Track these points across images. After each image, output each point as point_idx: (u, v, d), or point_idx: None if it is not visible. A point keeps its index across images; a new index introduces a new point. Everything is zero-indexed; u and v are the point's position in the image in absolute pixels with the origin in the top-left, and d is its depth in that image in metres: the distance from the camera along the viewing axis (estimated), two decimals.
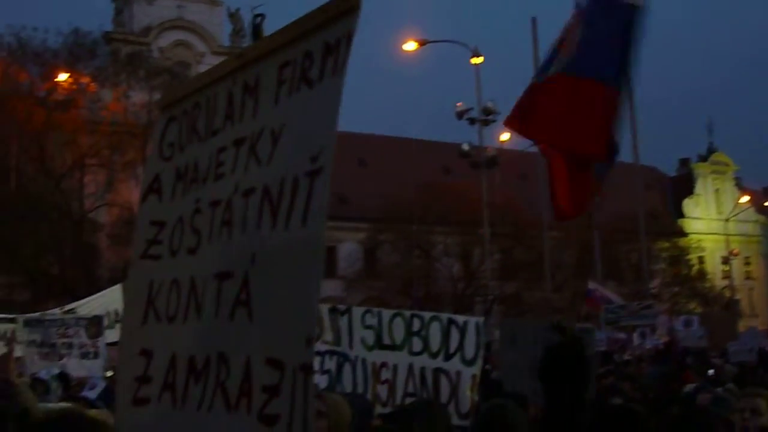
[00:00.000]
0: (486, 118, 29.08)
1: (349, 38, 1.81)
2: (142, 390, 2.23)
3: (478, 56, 28.68)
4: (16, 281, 30.43)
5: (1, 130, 30.64)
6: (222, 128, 2.21)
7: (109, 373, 13.77)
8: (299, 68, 1.95)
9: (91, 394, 10.45)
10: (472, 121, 29.27)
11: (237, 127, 2.15)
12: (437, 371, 6.37)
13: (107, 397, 9.85)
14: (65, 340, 11.72)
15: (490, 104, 29.08)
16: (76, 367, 11.50)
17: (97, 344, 11.85)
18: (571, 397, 3.59)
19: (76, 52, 33.46)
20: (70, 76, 33.02)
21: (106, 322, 12.56)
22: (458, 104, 29.65)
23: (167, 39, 41.75)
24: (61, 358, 11.52)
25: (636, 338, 18.11)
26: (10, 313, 14.33)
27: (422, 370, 6.39)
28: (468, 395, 6.30)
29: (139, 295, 2.34)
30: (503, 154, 31.12)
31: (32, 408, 5.75)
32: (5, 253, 29.71)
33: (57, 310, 12.52)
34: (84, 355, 11.73)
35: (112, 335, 13.35)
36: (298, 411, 1.67)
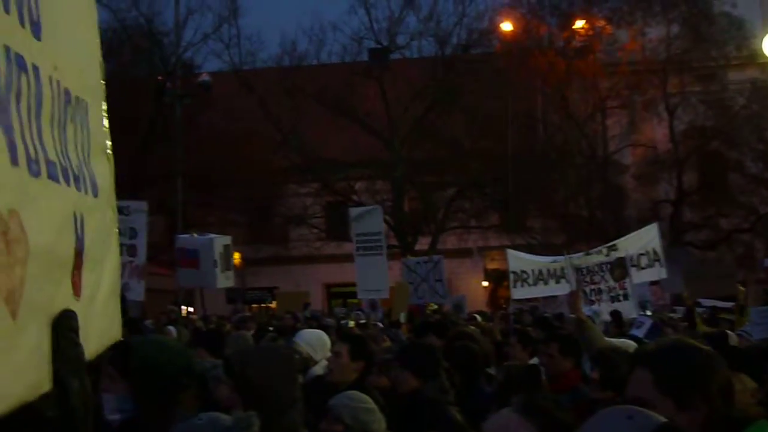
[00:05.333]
0: None
1: None
2: None
3: None
4: (550, 225, 32.20)
5: (527, 84, 32.42)
6: None
7: (649, 312, 13.72)
8: None
9: (638, 333, 10.47)
10: None
11: None
12: None
13: (653, 335, 9.77)
14: (593, 286, 11.91)
15: None
16: (607, 311, 11.65)
17: (625, 286, 11.83)
18: None
19: None
20: (586, 22, 33.55)
21: (645, 261, 12.47)
22: None
23: None
24: (592, 303, 11.73)
25: None
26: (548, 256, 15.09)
27: None
28: None
29: None
30: None
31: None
32: (540, 198, 31.62)
33: (603, 248, 12.78)
34: (613, 299, 11.80)
35: (652, 274, 13.24)
36: None
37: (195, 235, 13.73)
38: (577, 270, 12.24)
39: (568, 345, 6.10)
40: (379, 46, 34.95)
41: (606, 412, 2.13)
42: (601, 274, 11.96)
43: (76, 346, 1.29)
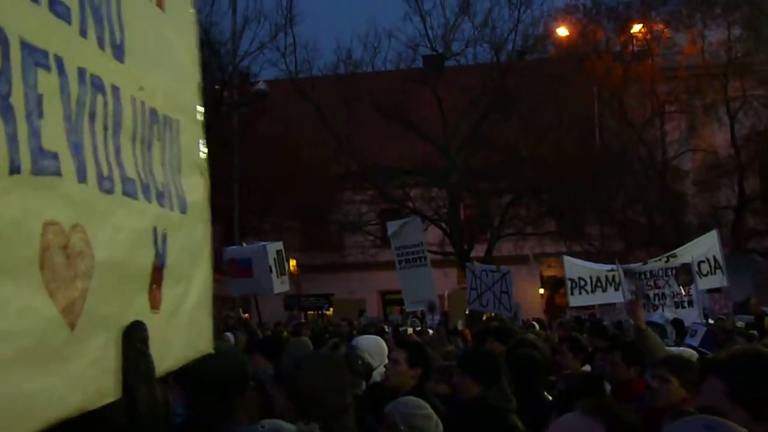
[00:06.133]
0: None
1: None
2: None
3: None
4: (608, 232, 31.74)
5: (583, 89, 32.05)
6: None
7: (711, 321, 13.41)
8: None
9: (693, 341, 10.25)
10: None
11: None
12: None
13: (709, 344, 9.55)
14: (657, 290, 11.71)
15: None
16: (671, 318, 11.42)
17: (690, 292, 11.61)
18: None
19: (648, 0, 33.34)
20: (643, 26, 33.05)
21: (706, 268, 12.22)
22: None
23: None
24: (656, 308, 11.53)
25: None
26: (605, 263, 14.87)
27: None
28: None
29: None
30: None
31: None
32: (598, 205, 31.18)
33: (663, 257, 12.56)
34: (677, 305, 11.59)
35: (713, 281, 12.95)
36: None
37: (244, 244, 13.78)
38: (640, 274, 12.04)
39: (632, 353, 6.01)
40: (434, 53, 34.91)
41: (683, 421, 2.08)
42: (665, 278, 11.77)
43: (145, 356, 1.31)
